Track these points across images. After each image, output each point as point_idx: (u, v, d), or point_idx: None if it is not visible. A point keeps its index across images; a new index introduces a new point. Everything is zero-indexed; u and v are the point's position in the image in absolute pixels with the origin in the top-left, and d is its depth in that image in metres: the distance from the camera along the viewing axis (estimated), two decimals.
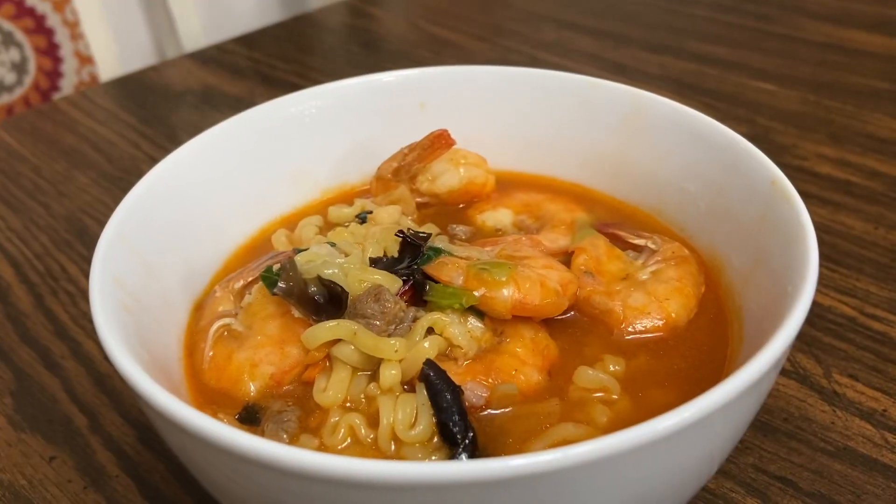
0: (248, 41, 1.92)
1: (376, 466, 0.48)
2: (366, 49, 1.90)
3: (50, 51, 2.42)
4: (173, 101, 1.68)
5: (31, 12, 2.10)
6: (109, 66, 2.09)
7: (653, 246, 0.86)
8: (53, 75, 2.44)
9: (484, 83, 1.02)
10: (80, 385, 0.96)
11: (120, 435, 0.89)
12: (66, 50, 2.42)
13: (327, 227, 0.93)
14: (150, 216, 0.81)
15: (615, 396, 0.71)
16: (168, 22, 2.21)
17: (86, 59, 2.48)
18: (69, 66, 2.44)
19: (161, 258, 0.80)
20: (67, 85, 2.18)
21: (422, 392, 0.68)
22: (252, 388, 0.74)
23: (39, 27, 2.23)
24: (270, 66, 1.79)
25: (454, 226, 0.93)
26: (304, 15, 2.11)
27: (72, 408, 0.93)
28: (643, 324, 0.78)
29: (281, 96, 1.00)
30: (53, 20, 2.38)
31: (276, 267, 0.77)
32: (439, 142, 0.94)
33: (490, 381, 0.71)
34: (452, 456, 0.65)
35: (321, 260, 0.76)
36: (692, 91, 1.56)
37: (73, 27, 2.43)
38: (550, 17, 1.95)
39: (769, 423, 0.85)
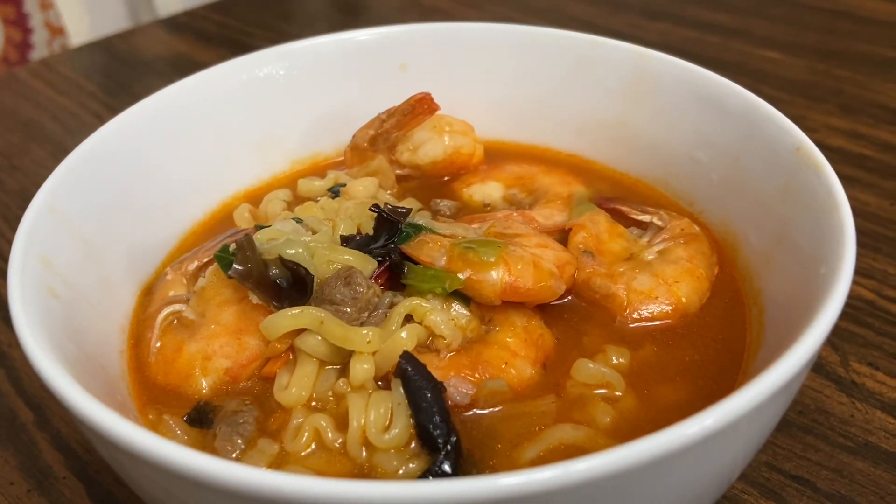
0: (221, 7, 1.83)
1: (328, 487, 0.40)
2: (348, 16, 1.81)
3: (19, 21, 2.31)
4: (140, 70, 1.59)
5: None
6: (81, 37, 1.99)
7: (659, 222, 0.79)
8: (23, 47, 2.34)
9: (471, 42, 0.95)
10: (28, 376, 0.89)
11: (69, 432, 0.81)
12: (37, 20, 2.31)
13: (296, 201, 0.86)
14: (91, 187, 0.73)
15: (619, 393, 0.64)
16: None
17: (57, 30, 2.38)
18: (39, 37, 2.34)
19: (103, 235, 0.72)
20: (38, 57, 2.08)
21: (398, 389, 0.60)
22: (204, 385, 0.67)
23: None
24: (245, 33, 1.70)
25: (438, 200, 0.86)
26: None
27: (17, 401, 0.86)
28: (650, 310, 0.71)
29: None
30: None
31: (233, 246, 0.68)
32: (421, 107, 0.86)
33: (477, 376, 0.64)
34: (432, 464, 0.58)
35: (284, 238, 0.68)
36: (693, 59, 1.46)
37: None
38: None
39: (783, 416, 0.78)
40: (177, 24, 1.78)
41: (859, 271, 0.96)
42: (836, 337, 0.87)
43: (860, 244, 1.02)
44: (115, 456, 0.50)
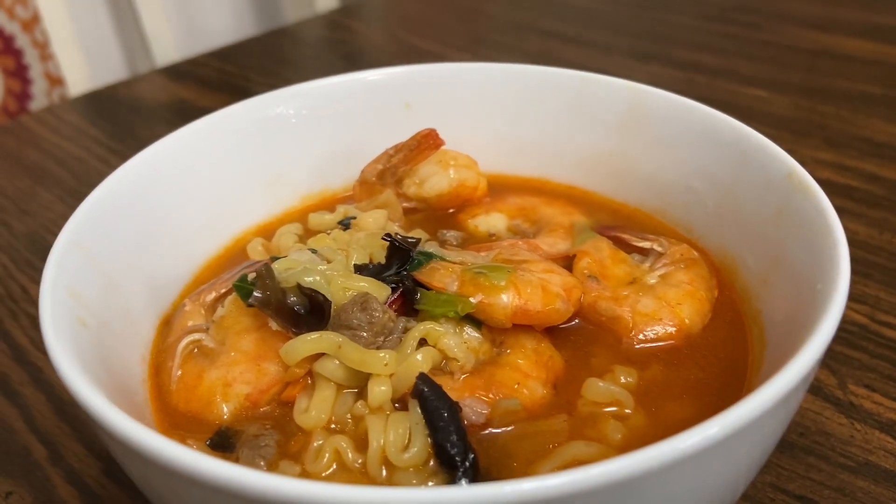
0: (222, 55, 1.87)
1: (370, 494, 0.41)
2: (345, 61, 1.85)
3: (19, 72, 2.35)
4: (144, 116, 1.62)
5: None
6: (80, 87, 2.03)
7: (659, 248, 0.81)
8: (22, 97, 2.37)
9: (472, 81, 0.97)
10: (40, 414, 0.89)
11: (82, 467, 0.82)
12: (36, 71, 2.35)
13: (307, 235, 0.87)
14: (112, 222, 0.74)
15: (628, 411, 0.66)
16: (141, 42, 2.15)
17: (56, 81, 2.41)
18: (39, 87, 2.37)
19: (123, 269, 0.73)
20: (37, 107, 2.11)
21: (415, 410, 0.61)
22: (225, 411, 0.68)
23: (8, 48, 2.16)
24: (246, 80, 1.73)
25: (444, 231, 0.88)
26: (281, 28, 2.06)
27: (31, 438, 0.86)
28: (654, 331, 0.73)
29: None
30: (22, 41, 2.31)
31: (251, 276, 0.70)
32: (427, 142, 0.88)
33: (490, 396, 0.65)
34: (451, 481, 0.58)
35: (301, 267, 0.69)
36: None
37: (43, 48, 2.37)
38: (534, 27, 1.92)
39: (785, 438, 0.80)
40: (178, 71, 1.81)
41: (852, 297, 0.98)
42: (833, 360, 0.89)
43: (852, 271, 1.04)
44: (146, 473, 0.51)
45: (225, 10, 2.31)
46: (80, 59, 2.16)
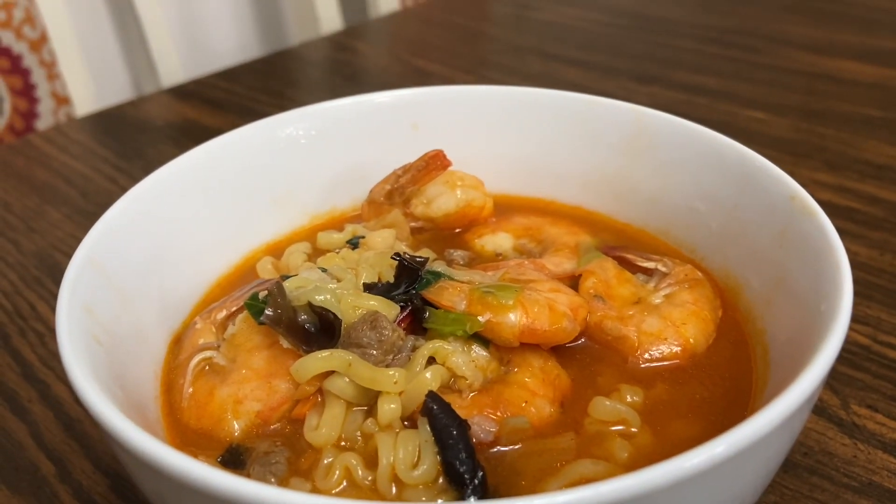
0: (228, 75, 1.88)
1: None
2: (349, 82, 1.87)
3: (26, 91, 2.37)
4: (152, 135, 1.63)
5: (6, 52, 2.05)
6: (86, 107, 2.05)
7: (663, 268, 0.82)
8: (29, 116, 2.39)
9: (479, 103, 0.99)
10: (49, 431, 0.89)
11: (90, 484, 0.82)
12: (43, 90, 2.38)
13: (316, 253, 0.88)
14: (125, 241, 0.75)
15: (634, 429, 0.66)
16: (147, 62, 2.17)
17: (62, 100, 2.44)
18: (45, 106, 2.40)
19: (136, 287, 0.74)
20: (43, 126, 2.14)
21: (424, 428, 0.62)
22: (236, 428, 0.68)
23: (15, 67, 2.18)
24: (252, 100, 1.75)
25: (451, 251, 0.89)
26: (286, 50, 2.09)
27: (39, 455, 0.86)
28: (659, 350, 0.73)
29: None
30: (30, 60, 2.34)
31: (262, 294, 0.71)
32: (434, 163, 0.90)
33: (498, 414, 0.66)
34: (460, 498, 0.59)
35: (312, 285, 0.70)
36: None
37: (50, 67, 2.40)
38: (535, 49, 1.94)
39: (789, 458, 0.80)
40: (185, 91, 1.83)
41: (855, 318, 0.99)
42: (836, 381, 0.89)
43: (854, 293, 1.04)
44: (162, 489, 0.52)
45: (231, 31, 2.34)
46: (87, 78, 2.19)
